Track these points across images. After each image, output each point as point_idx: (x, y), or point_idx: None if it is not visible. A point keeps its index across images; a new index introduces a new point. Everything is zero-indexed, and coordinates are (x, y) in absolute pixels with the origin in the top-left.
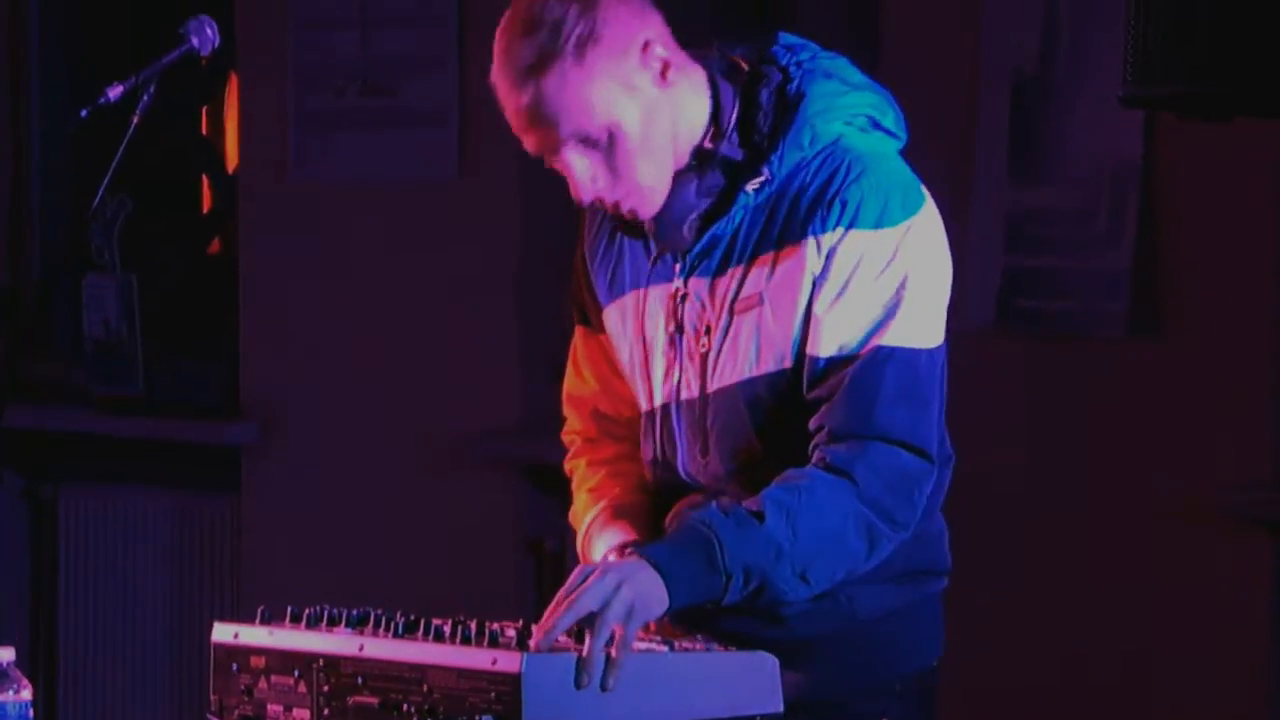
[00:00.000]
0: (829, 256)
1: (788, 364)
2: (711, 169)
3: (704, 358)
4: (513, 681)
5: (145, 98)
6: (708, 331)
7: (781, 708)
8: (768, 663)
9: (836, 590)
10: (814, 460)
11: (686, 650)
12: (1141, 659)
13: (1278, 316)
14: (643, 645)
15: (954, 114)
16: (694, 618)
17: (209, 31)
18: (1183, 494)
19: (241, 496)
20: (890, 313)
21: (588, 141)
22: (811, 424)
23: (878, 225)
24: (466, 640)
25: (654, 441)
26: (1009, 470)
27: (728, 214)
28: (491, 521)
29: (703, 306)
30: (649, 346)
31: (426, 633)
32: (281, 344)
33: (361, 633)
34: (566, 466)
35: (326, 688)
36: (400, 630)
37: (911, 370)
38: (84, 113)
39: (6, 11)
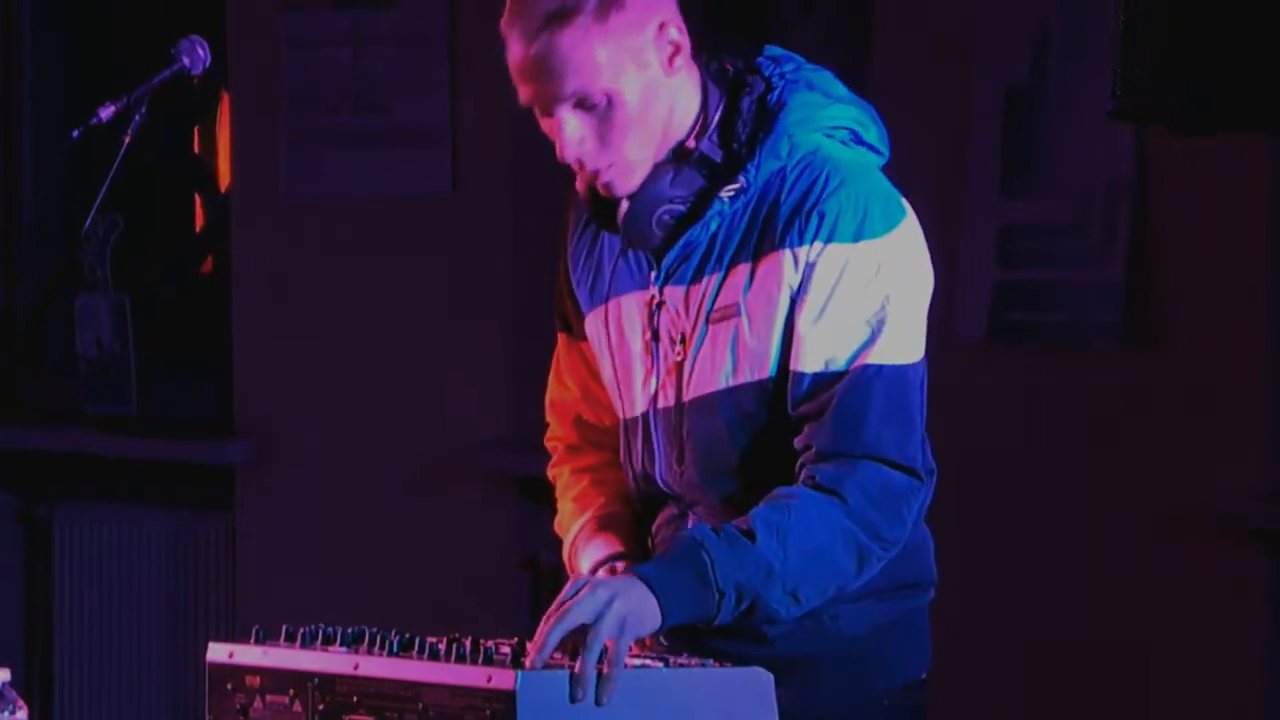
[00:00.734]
0: (808, 270)
1: (765, 375)
2: (688, 166)
3: (679, 366)
4: (507, 699)
5: (137, 118)
6: (683, 340)
7: None
8: (762, 679)
9: (821, 609)
10: (802, 478)
11: (682, 666)
12: (1136, 670)
13: (1271, 327)
14: (638, 661)
15: (946, 127)
16: (681, 637)
17: (200, 51)
18: (1177, 506)
19: (236, 515)
20: (876, 330)
21: (585, 104)
22: (798, 442)
23: (856, 238)
24: (461, 658)
25: (633, 450)
26: (1003, 482)
27: (702, 219)
28: (486, 536)
29: (678, 314)
30: (627, 354)
31: (421, 651)
32: (275, 362)
33: (356, 651)
34: (549, 473)
35: (322, 706)
36: (395, 648)
37: (898, 388)
38: (76, 133)
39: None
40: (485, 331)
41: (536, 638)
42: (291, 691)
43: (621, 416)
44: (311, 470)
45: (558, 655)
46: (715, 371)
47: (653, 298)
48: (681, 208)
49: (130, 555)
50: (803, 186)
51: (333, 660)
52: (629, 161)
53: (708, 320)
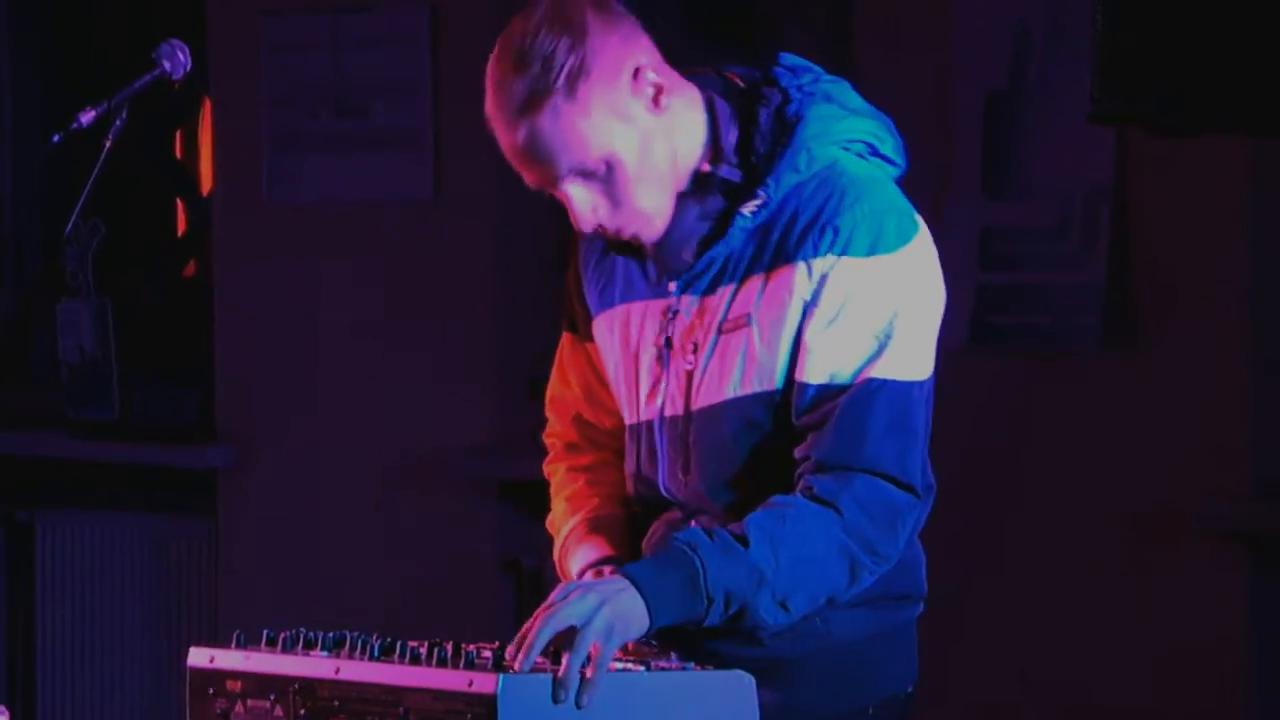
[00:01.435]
0: (820, 283)
1: (773, 386)
2: (710, 192)
3: (689, 375)
4: (488, 703)
5: (118, 122)
6: (694, 349)
7: None
8: (744, 681)
9: (812, 613)
10: (799, 489)
11: (663, 669)
12: (1118, 673)
13: (1251, 328)
14: (619, 665)
15: (927, 131)
16: (672, 636)
17: (181, 56)
18: (1159, 507)
19: (218, 520)
20: (883, 344)
21: (586, 174)
22: (798, 452)
23: (870, 253)
24: (443, 662)
25: (636, 455)
26: (983, 484)
27: (725, 236)
28: (468, 541)
29: (692, 324)
30: (637, 360)
31: (403, 655)
32: (257, 367)
33: (338, 655)
34: (546, 469)
35: (303, 711)
36: (376, 653)
37: (902, 403)
38: (56, 138)
39: None
40: (466, 337)
41: (523, 638)
42: (273, 696)
43: (626, 421)
44: (293, 475)
45: (540, 659)
46: (724, 381)
47: (669, 306)
48: (706, 227)
49: (112, 560)
50: (819, 200)
51: (314, 665)
52: (645, 213)
53: (719, 330)
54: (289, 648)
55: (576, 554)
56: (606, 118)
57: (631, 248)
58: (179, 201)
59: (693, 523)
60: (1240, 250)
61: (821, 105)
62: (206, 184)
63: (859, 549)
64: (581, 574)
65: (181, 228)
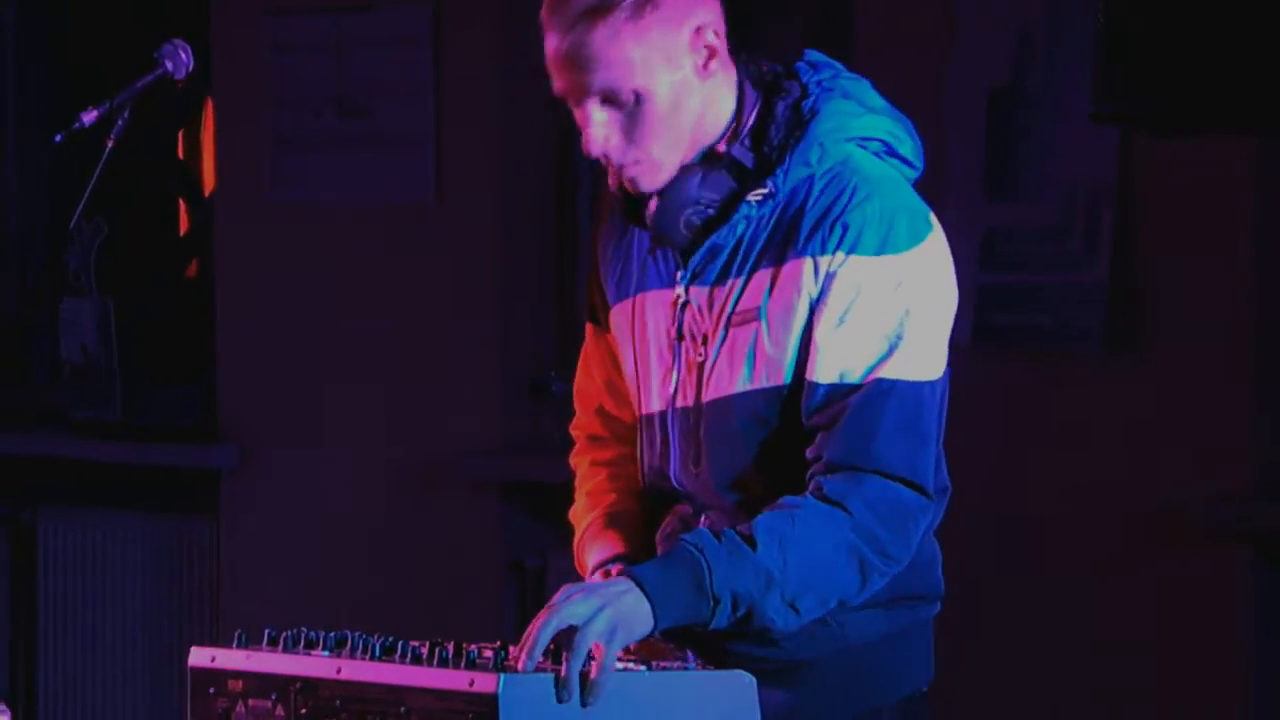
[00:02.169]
0: (828, 280)
1: (782, 382)
2: (717, 170)
3: (699, 367)
4: (489, 702)
5: (120, 122)
6: (704, 341)
7: None
8: (745, 681)
9: (828, 614)
10: (809, 489)
11: (664, 669)
12: (1123, 671)
13: (1254, 330)
14: (620, 665)
15: (927, 131)
16: (687, 637)
17: (183, 55)
18: (1161, 508)
19: (220, 520)
20: (893, 344)
21: (614, 100)
22: (809, 452)
23: (880, 252)
24: (444, 662)
25: (649, 447)
26: (985, 487)
27: (729, 222)
28: (471, 542)
29: (701, 314)
30: (649, 351)
31: (404, 655)
32: (259, 367)
33: (339, 655)
34: (571, 461)
35: (304, 710)
36: (378, 652)
37: (913, 404)
38: (58, 137)
39: None
40: (468, 338)
41: (526, 640)
42: (274, 696)
43: (639, 412)
44: (295, 475)
45: (541, 659)
46: (733, 375)
47: (679, 296)
48: (710, 210)
49: (114, 560)
50: (830, 196)
51: (315, 664)
52: (654, 160)
53: (729, 323)
54: (290, 647)
55: (591, 550)
56: (657, 54)
57: (629, 206)
58: (181, 201)
59: (703, 519)
60: (1243, 251)
61: (839, 101)
62: (209, 184)
63: (869, 551)
64: (593, 572)
65: (184, 228)
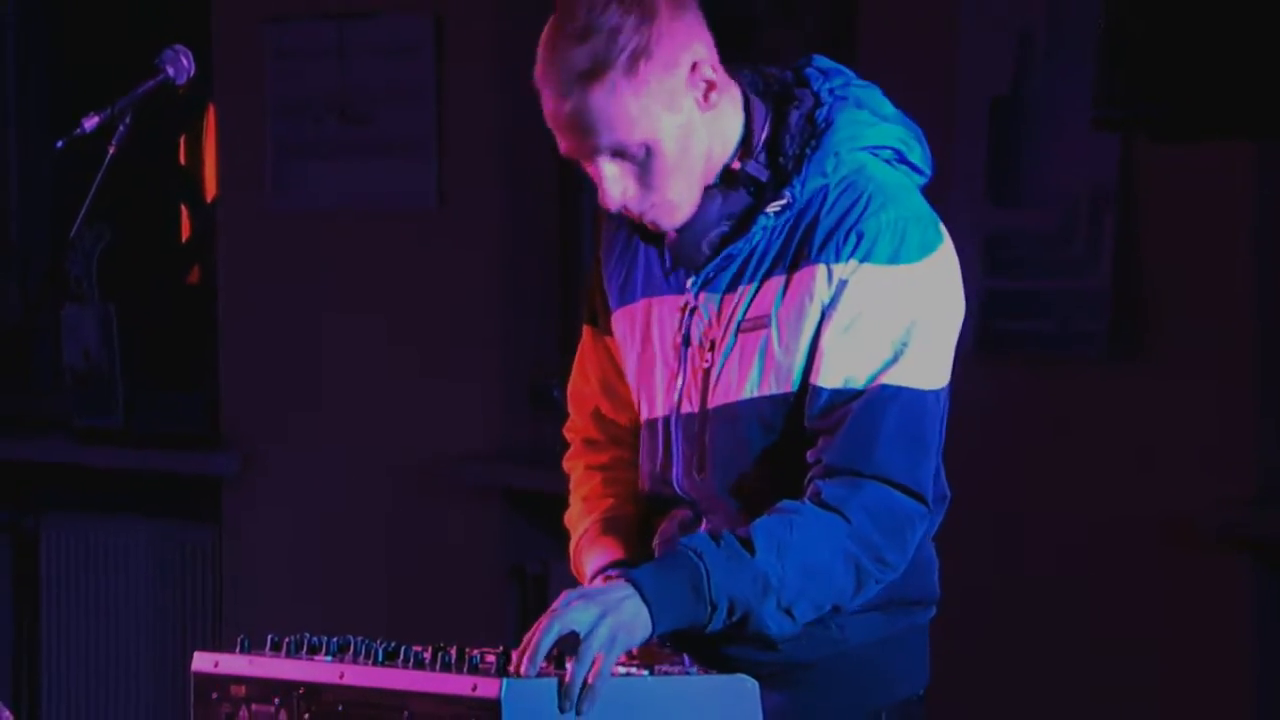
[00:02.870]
0: (840, 288)
1: (790, 389)
2: (736, 188)
3: (706, 373)
4: (492, 707)
5: (122, 128)
6: (712, 347)
7: None
8: (747, 686)
9: (826, 617)
10: (808, 494)
11: (666, 674)
12: (1126, 678)
13: (1257, 336)
14: (621, 669)
15: (930, 136)
16: (685, 641)
17: (185, 61)
18: (1164, 513)
19: (223, 526)
20: (899, 352)
21: (624, 154)
22: (809, 456)
23: (892, 261)
24: (447, 667)
25: (651, 452)
26: (988, 493)
27: (746, 234)
28: (472, 547)
29: (710, 322)
30: (654, 356)
31: (407, 660)
32: (262, 373)
33: (342, 660)
34: (565, 464)
35: (307, 716)
36: (380, 658)
37: (915, 412)
38: (60, 143)
39: None
40: (470, 344)
41: (527, 644)
42: (277, 701)
43: (642, 417)
44: (297, 481)
45: (544, 664)
46: (741, 381)
47: (687, 303)
48: (728, 226)
49: (116, 566)
50: (844, 205)
51: (318, 669)
52: (671, 202)
53: (738, 330)
54: (293, 652)
55: (589, 556)
56: (657, 103)
57: (646, 229)
58: (183, 207)
59: (703, 523)
60: (1246, 256)
61: (852, 110)
62: (211, 190)
63: (866, 557)
64: (592, 579)
65: (186, 234)
